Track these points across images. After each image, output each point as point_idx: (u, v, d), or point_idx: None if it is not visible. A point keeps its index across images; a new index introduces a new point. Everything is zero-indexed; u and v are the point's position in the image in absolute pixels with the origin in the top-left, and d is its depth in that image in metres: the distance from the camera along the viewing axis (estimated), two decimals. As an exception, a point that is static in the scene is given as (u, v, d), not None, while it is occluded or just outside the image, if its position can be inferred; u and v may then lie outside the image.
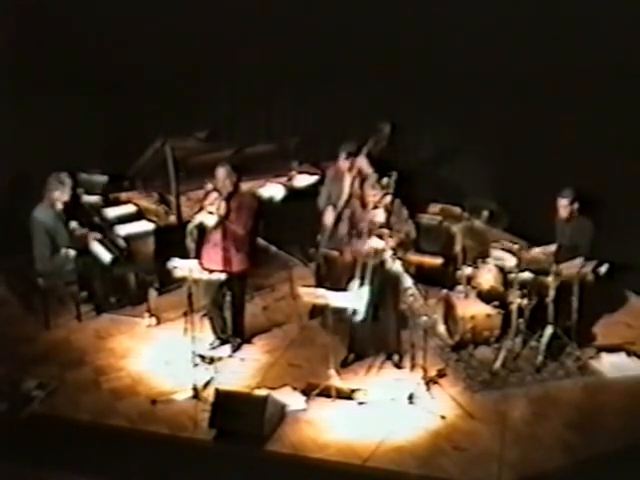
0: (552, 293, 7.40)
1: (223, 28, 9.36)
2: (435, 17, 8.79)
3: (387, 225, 7.24)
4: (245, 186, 8.20)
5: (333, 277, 8.03)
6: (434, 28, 8.82)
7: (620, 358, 7.59)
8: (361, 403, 7.11)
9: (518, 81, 8.63)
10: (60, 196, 8.17)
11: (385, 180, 7.35)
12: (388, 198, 7.30)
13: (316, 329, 8.11)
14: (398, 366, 7.56)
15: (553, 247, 7.66)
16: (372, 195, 7.35)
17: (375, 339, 7.60)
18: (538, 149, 8.77)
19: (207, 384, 7.27)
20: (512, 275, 7.59)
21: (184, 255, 7.42)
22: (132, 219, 8.84)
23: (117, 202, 9.17)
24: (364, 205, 7.53)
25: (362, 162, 8.09)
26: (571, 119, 8.40)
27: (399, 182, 7.34)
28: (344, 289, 7.11)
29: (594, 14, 7.90)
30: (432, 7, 8.73)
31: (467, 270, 8.08)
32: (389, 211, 7.29)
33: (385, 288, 7.30)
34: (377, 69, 9.27)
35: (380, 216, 7.26)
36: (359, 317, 7.09)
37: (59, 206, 8.19)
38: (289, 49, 9.31)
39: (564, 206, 7.64)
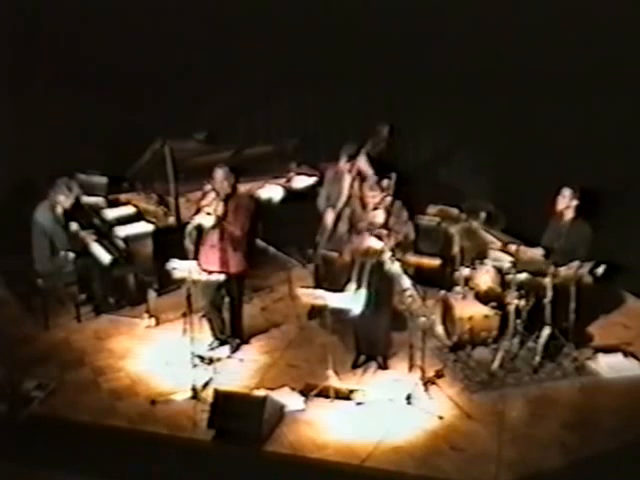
0: (549, 294, 7.42)
1: (223, 28, 9.38)
2: (435, 17, 8.81)
3: (386, 226, 7.27)
4: (244, 187, 8.22)
5: (332, 278, 8.05)
6: (434, 28, 8.84)
7: (617, 359, 7.60)
8: (359, 403, 7.12)
9: (517, 82, 8.64)
10: (64, 202, 8.19)
11: (385, 182, 7.37)
12: (388, 199, 7.32)
13: (315, 330, 8.12)
14: (382, 367, 7.55)
15: (540, 250, 7.68)
16: (371, 196, 7.36)
17: (365, 339, 7.59)
18: (536, 150, 8.78)
19: (206, 385, 7.28)
20: (510, 276, 7.61)
21: (183, 256, 7.44)
22: (131, 220, 8.86)
23: (116, 203, 9.19)
24: (364, 206, 7.55)
25: (362, 163, 8.12)
26: (570, 120, 8.42)
27: (398, 183, 7.36)
28: (343, 290, 7.12)
29: (593, 13, 7.91)
30: (432, 7, 8.75)
31: (465, 271, 8.10)
32: (389, 212, 7.32)
33: (381, 289, 7.30)
34: (377, 69, 9.28)
35: (380, 217, 7.28)
36: (354, 313, 7.04)
37: (59, 210, 8.21)
38: (289, 49, 9.32)
39: (564, 198, 7.61)
